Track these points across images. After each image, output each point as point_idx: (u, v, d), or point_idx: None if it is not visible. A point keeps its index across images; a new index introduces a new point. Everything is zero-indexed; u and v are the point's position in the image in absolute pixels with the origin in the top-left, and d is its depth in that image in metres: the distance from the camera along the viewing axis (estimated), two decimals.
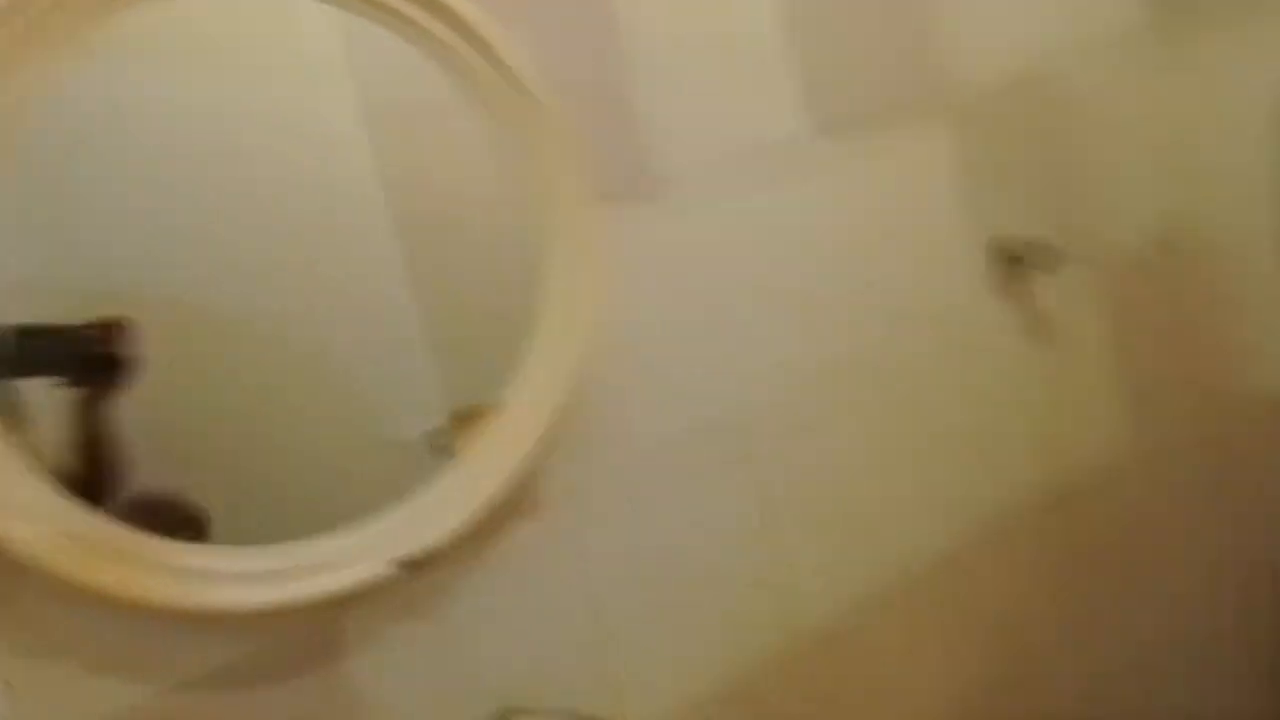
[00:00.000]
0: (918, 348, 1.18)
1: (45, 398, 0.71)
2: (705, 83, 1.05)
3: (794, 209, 1.11)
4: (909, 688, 1.18)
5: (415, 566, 0.82)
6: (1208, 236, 1.36)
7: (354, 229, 0.87)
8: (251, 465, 0.82)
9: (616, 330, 0.96)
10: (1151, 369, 1.37)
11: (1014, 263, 1.25)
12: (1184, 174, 1.35)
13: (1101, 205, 1.33)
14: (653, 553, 0.98)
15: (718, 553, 1.03)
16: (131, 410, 0.73)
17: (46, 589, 0.68)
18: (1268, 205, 1.32)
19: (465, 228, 0.93)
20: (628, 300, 0.97)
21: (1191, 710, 1.24)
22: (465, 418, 0.88)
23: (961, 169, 1.23)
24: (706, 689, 1.01)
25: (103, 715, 0.71)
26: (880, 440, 1.15)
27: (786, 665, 1.07)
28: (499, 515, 0.87)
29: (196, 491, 0.77)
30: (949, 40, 1.23)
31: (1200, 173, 1.35)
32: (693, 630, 1.01)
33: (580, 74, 0.96)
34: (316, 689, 0.80)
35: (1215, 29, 1.35)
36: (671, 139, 1.02)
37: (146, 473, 0.74)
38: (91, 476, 0.71)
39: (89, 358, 0.73)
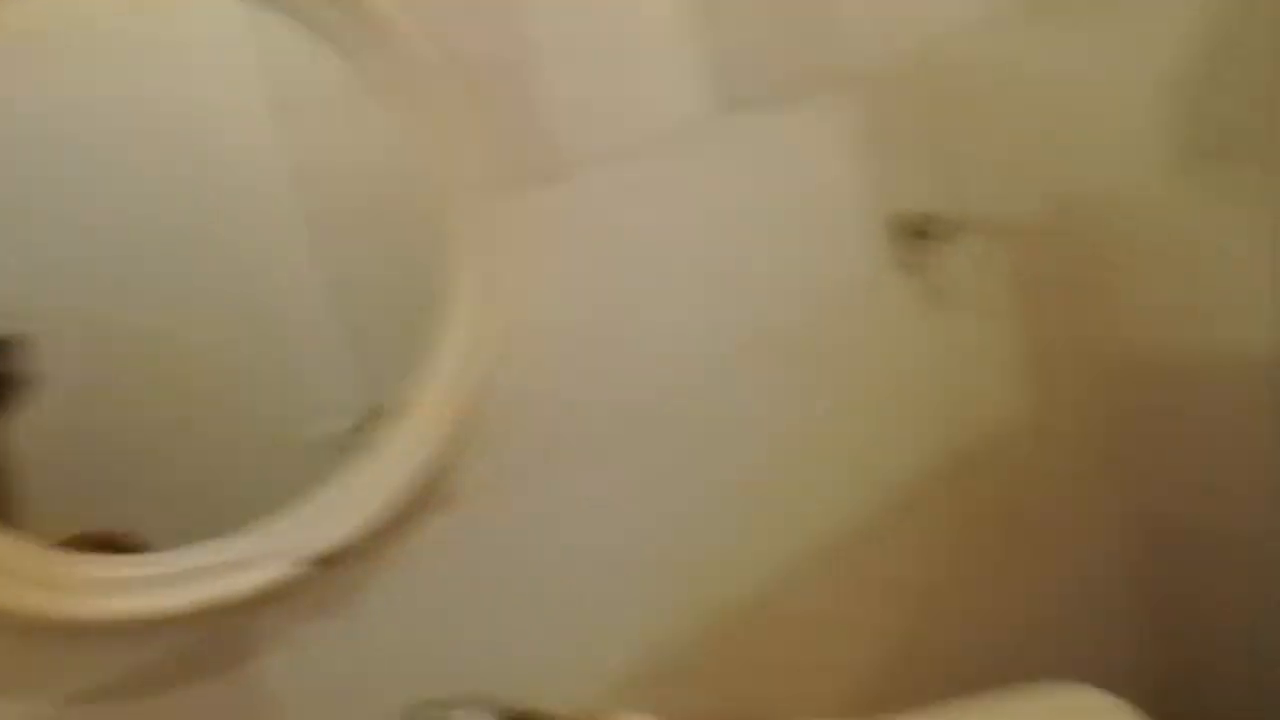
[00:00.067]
0: (823, 321, 1.21)
1: None
2: (610, 62, 1.04)
3: (701, 187, 1.11)
4: (829, 657, 1.21)
5: (325, 564, 0.81)
6: (1101, 204, 1.41)
7: (259, 225, 0.85)
8: (160, 473, 0.80)
9: (526, 317, 0.96)
10: (1050, 335, 1.42)
11: (916, 235, 1.28)
12: (1077, 143, 1.40)
13: (998, 177, 1.37)
14: (568, 539, 0.99)
15: (633, 534, 1.04)
16: (29, 426, 0.71)
17: None
18: (1157, 173, 1.37)
19: (374, 220, 0.91)
20: (537, 286, 0.97)
21: (1091, 665, 1.30)
22: (376, 413, 0.87)
23: (864, 144, 1.25)
24: (626, 671, 1.02)
25: None
26: (790, 414, 1.17)
27: (706, 642, 1.09)
28: (411, 509, 0.86)
29: (104, 506, 0.75)
30: (851, 17, 1.25)
31: (1092, 142, 1.40)
32: (610, 613, 1.02)
33: (482, 57, 0.94)
34: (226, 693, 0.78)
35: (1105, 2, 1.39)
36: (577, 120, 1.01)
37: (48, 490, 0.71)
38: None
39: None
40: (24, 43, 0.73)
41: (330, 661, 0.84)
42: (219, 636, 0.78)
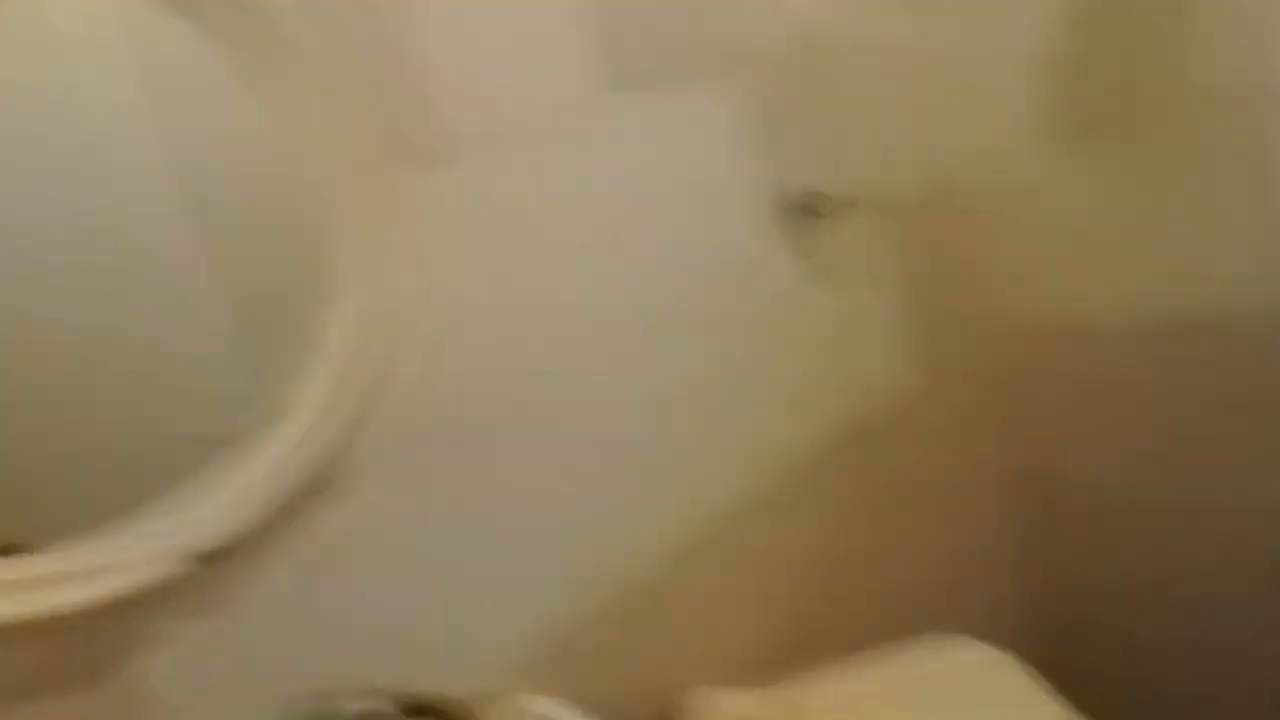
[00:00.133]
0: (715, 298, 1.22)
1: None
2: (498, 41, 1.04)
3: (591, 166, 1.11)
4: (731, 626, 1.24)
5: (210, 560, 0.80)
6: (979, 180, 1.45)
7: (139, 214, 0.83)
8: (37, 470, 0.77)
9: (417, 300, 0.95)
10: (935, 306, 1.47)
11: (804, 212, 1.31)
12: (955, 121, 1.44)
13: (882, 155, 1.40)
14: (464, 522, 0.99)
15: (531, 514, 1.04)
16: None
17: None
18: (1032, 149, 1.42)
19: (258, 206, 0.89)
20: (427, 268, 0.96)
21: (981, 620, 1.36)
22: (262, 404, 0.86)
23: (752, 123, 1.27)
24: (528, 652, 1.03)
25: None
26: (684, 390, 1.19)
27: (608, 617, 1.10)
28: (300, 501, 0.85)
29: None
30: None
31: (970, 119, 1.44)
32: (510, 594, 1.02)
33: (366, 37, 0.93)
34: (108, 695, 0.76)
35: None
36: (465, 99, 1.01)
37: None
38: None
39: None
40: None
41: (218, 659, 0.82)
42: (100, 638, 0.76)
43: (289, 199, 0.91)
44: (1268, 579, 1.35)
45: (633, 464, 1.13)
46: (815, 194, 1.31)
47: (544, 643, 1.04)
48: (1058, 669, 1.17)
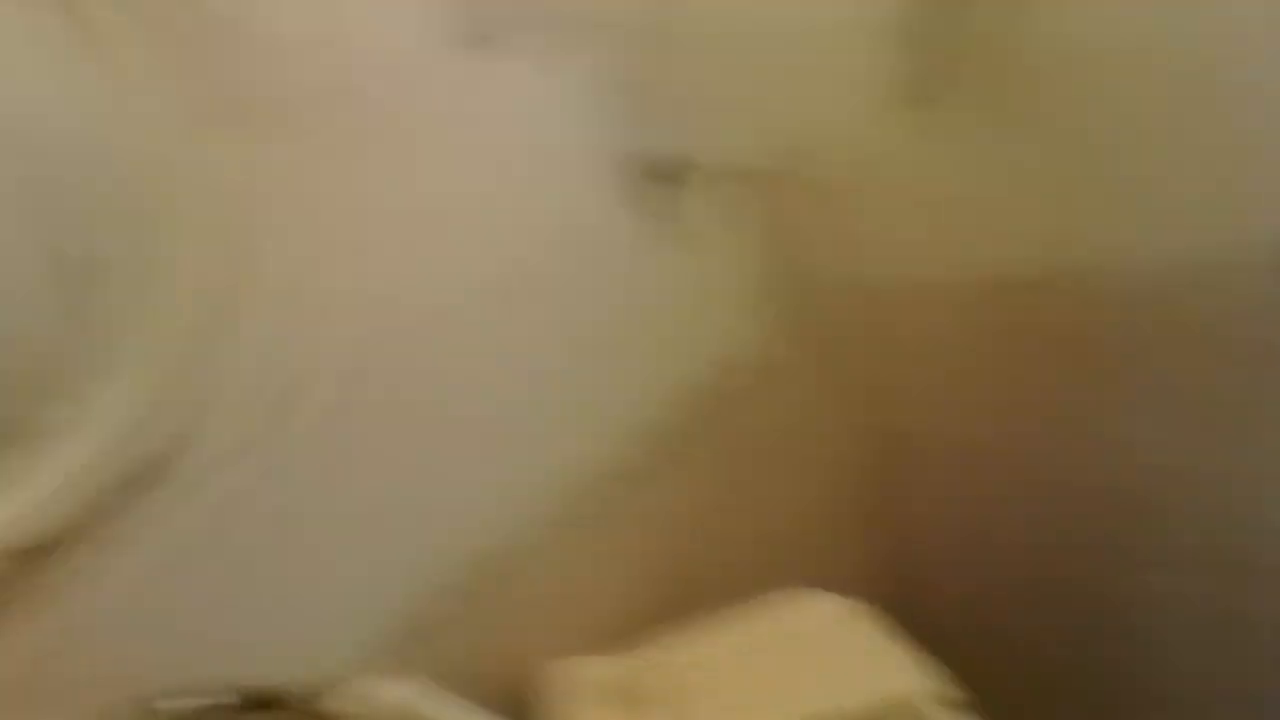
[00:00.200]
0: (566, 266, 1.21)
1: None
2: None
3: (434, 129, 1.07)
4: (594, 598, 1.24)
5: (27, 557, 0.74)
6: (827, 146, 1.48)
7: None
8: None
9: (250, 274, 0.90)
10: (786, 270, 1.49)
11: (656, 177, 1.30)
12: (805, 86, 1.45)
13: (734, 119, 1.41)
14: (307, 505, 0.95)
15: (378, 492, 1.01)
16: None
17: None
18: (878, 115, 1.45)
19: (81, 180, 0.84)
20: (258, 240, 0.91)
21: (837, 572, 1.41)
22: (85, 390, 0.81)
23: (602, 87, 1.25)
24: (386, 634, 1.01)
25: None
26: (537, 360, 1.17)
27: (468, 595, 1.09)
28: (135, 493, 0.81)
29: None
30: None
31: (819, 85, 1.46)
32: (365, 577, 1.00)
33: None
34: None
35: None
36: (296, 60, 0.96)
37: None
38: None
39: None
40: None
41: (42, 661, 0.77)
42: None
43: (112, 170, 0.85)
44: (1096, 518, 1.44)
45: (484, 438, 1.11)
46: (668, 160, 1.31)
47: (401, 624, 1.02)
48: (909, 616, 1.22)
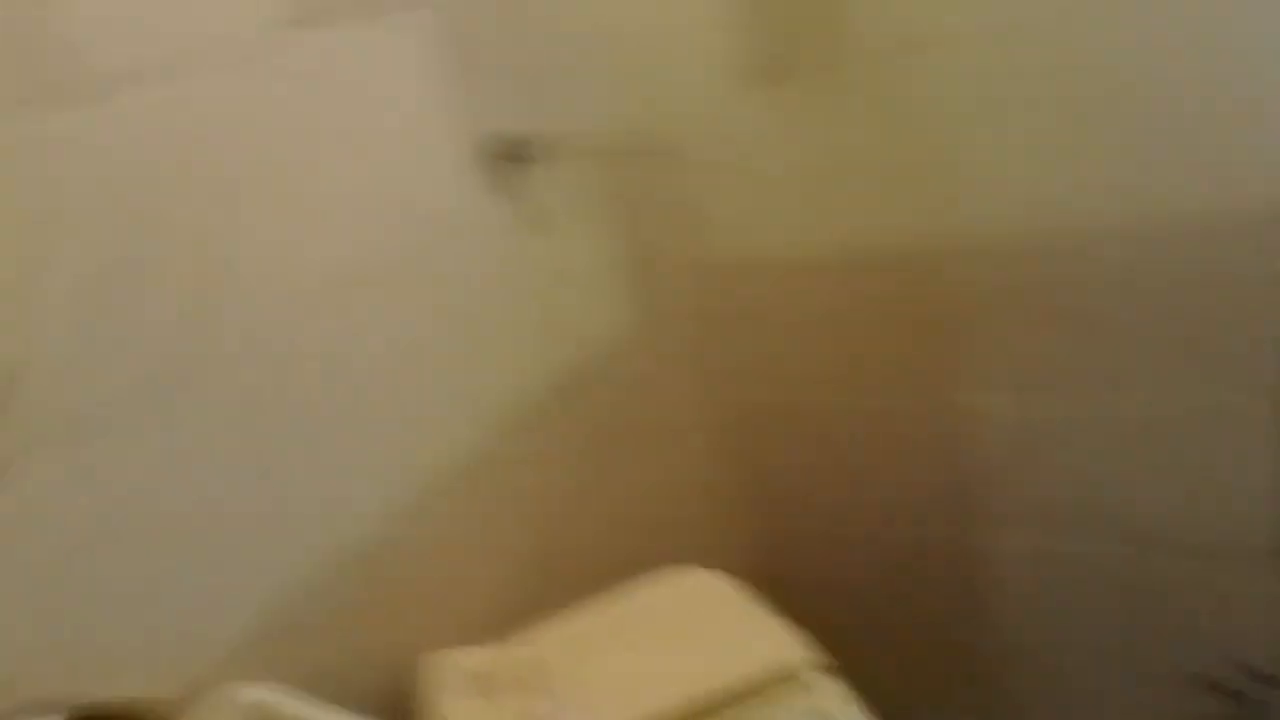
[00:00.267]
0: (419, 250, 1.17)
1: None
2: None
3: (265, 109, 1.01)
4: (468, 588, 1.21)
5: None
6: (685, 122, 1.49)
7: None
8: None
9: (52, 260, 0.82)
10: (645, 249, 1.49)
11: (509, 158, 1.28)
12: (659, 66, 1.46)
13: (588, 98, 1.40)
14: (155, 508, 0.88)
15: (234, 492, 0.95)
16: None
17: None
18: (729, 93, 1.46)
19: None
20: (57, 231, 0.83)
21: (708, 547, 1.42)
22: None
23: (447, 65, 1.21)
24: (245, 637, 0.95)
25: None
26: (393, 347, 1.13)
27: (334, 592, 1.04)
28: None
29: None
30: None
31: (673, 64, 1.46)
32: (219, 579, 0.93)
33: None
34: None
35: None
36: (108, 33, 0.88)
37: None
38: None
39: None
40: None
41: None
42: None
43: None
44: (946, 480, 1.50)
45: (340, 429, 1.06)
46: (521, 139, 1.28)
47: (262, 626, 0.96)
48: (777, 586, 1.24)
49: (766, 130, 1.45)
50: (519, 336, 1.30)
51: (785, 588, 1.25)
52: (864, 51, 1.35)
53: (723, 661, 1.04)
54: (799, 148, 1.45)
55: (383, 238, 1.12)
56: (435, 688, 1.05)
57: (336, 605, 1.04)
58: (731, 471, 1.64)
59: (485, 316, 1.25)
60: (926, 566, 1.57)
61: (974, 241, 1.37)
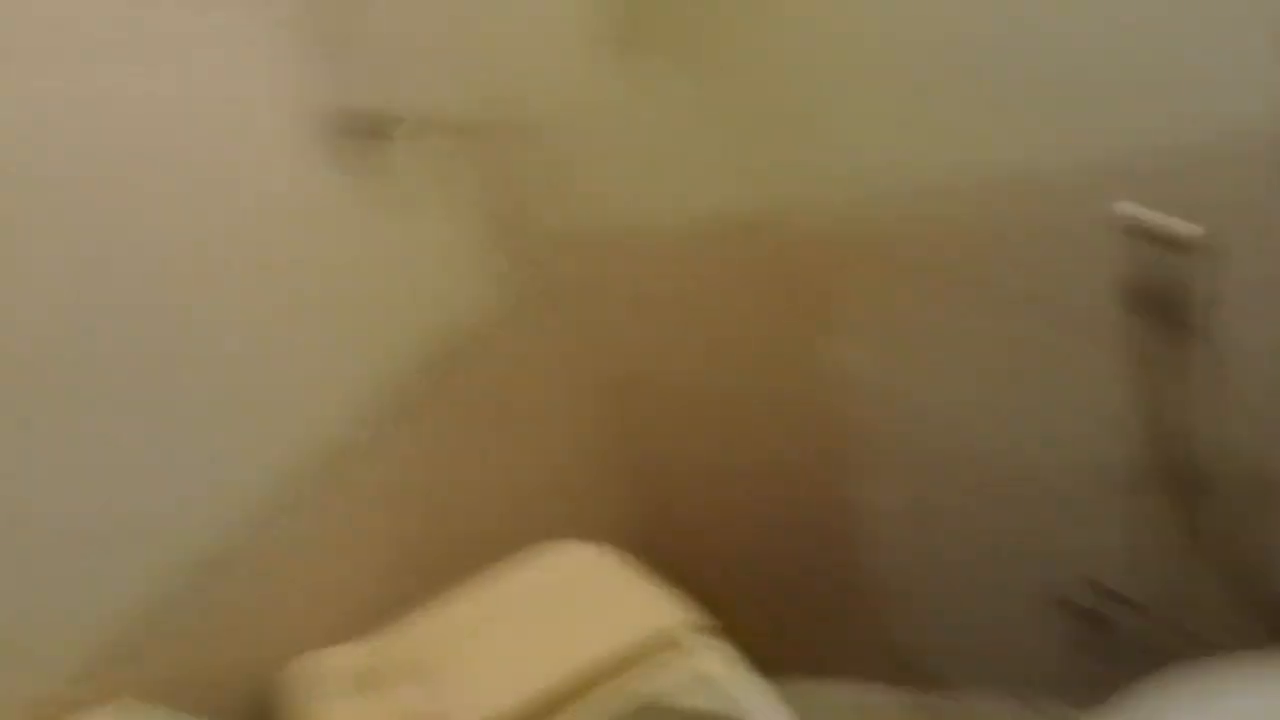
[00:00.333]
0: (275, 232, 1.11)
1: None
2: None
3: (115, 89, 0.94)
4: (341, 582, 1.17)
5: None
6: (544, 94, 1.46)
7: None
8: None
9: None
10: (509, 224, 1.46)
11: (365, 134, 1.22)
12: (516, 37, 1.42)
13: (446, 72, 1.35)
14: None
15: (77, 501, 0.89)
16: None
17: None
18: (590, 62, 1.44)
19: None
20: None
21: (588, 521, 1.42)
22: None
23: (295, 40, 1.15)
24: (96, 655, 0.89)
25: None
26: (250, 335, 1.07)
27: (195, 594, 0.98)
28: None
29: None
30: None
31: (530, 36, 1.43)
32: (63, 594, 0.87)
33: None
34: None
35: None
36: None
37: None
38: None
39: None
40: None
41: None
42: None
43: None
44: (814, 440, 1.54)
45: (191, 427, 1.00)
46: (379, 116, 1.23)
47: (115, 642, 0.91)
48: (656, 553, 1.25)
49: (627, 100, 1.44)
50: (381, 319, 1.26)
51: (665, 554, 1.26)
52: (720, 19, 1.35)
53: (603, 633, 1.04)
54: (660, 116, 1.44)
55: (232, 219, 1.06)
56: (306, 691, 1.02)
57: (195, 612, 0.99)
58: (606, 442, 1.63)
59: (342, 299, 1.20)
60: (794, 522, 1.60)
61: (832, 204, 1.40)
